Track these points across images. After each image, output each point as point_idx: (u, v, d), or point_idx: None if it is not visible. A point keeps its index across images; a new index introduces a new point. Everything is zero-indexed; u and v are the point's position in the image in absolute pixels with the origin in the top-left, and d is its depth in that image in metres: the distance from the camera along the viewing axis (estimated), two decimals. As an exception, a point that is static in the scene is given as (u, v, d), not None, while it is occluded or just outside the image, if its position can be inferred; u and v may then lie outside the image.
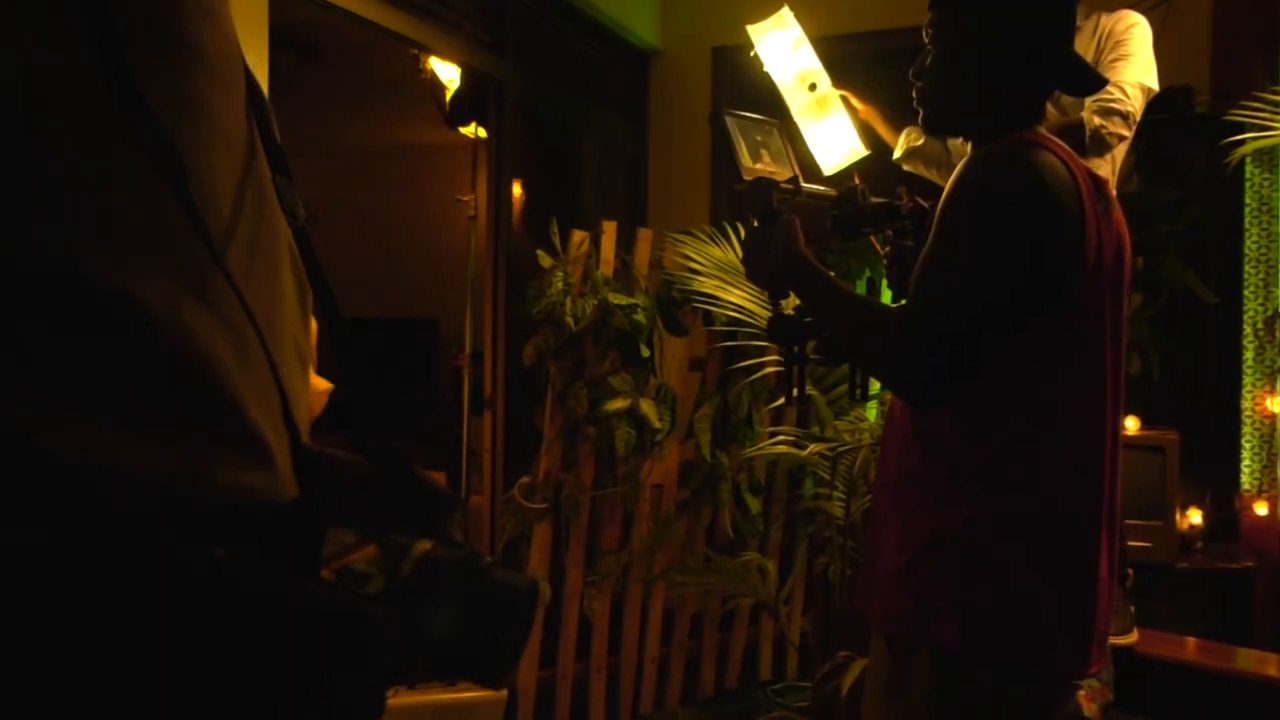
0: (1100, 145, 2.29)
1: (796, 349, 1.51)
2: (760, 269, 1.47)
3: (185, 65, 0.59)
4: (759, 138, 1.51)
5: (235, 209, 0.61)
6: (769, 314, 1.54)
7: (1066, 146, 1.34)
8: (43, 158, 0.51)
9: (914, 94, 1.45)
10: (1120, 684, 2.35)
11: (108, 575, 0.49)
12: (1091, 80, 1.45)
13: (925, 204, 1.53)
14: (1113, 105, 2.26)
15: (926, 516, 1.34)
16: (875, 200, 1.55)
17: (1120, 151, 2.44)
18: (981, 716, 1.33)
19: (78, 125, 0.53)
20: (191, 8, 0.60)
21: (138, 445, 0.52)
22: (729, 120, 1.48)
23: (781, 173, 1.50)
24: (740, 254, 1.52)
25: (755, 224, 1.46)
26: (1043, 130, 1.38)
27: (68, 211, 0.52)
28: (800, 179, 1.51)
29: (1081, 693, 2.12)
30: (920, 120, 1.48)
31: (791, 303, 1.51)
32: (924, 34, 1.43)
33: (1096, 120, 2.26)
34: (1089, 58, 2.37)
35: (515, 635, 0.61)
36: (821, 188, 1.58)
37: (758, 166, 1.48)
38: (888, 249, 1.57)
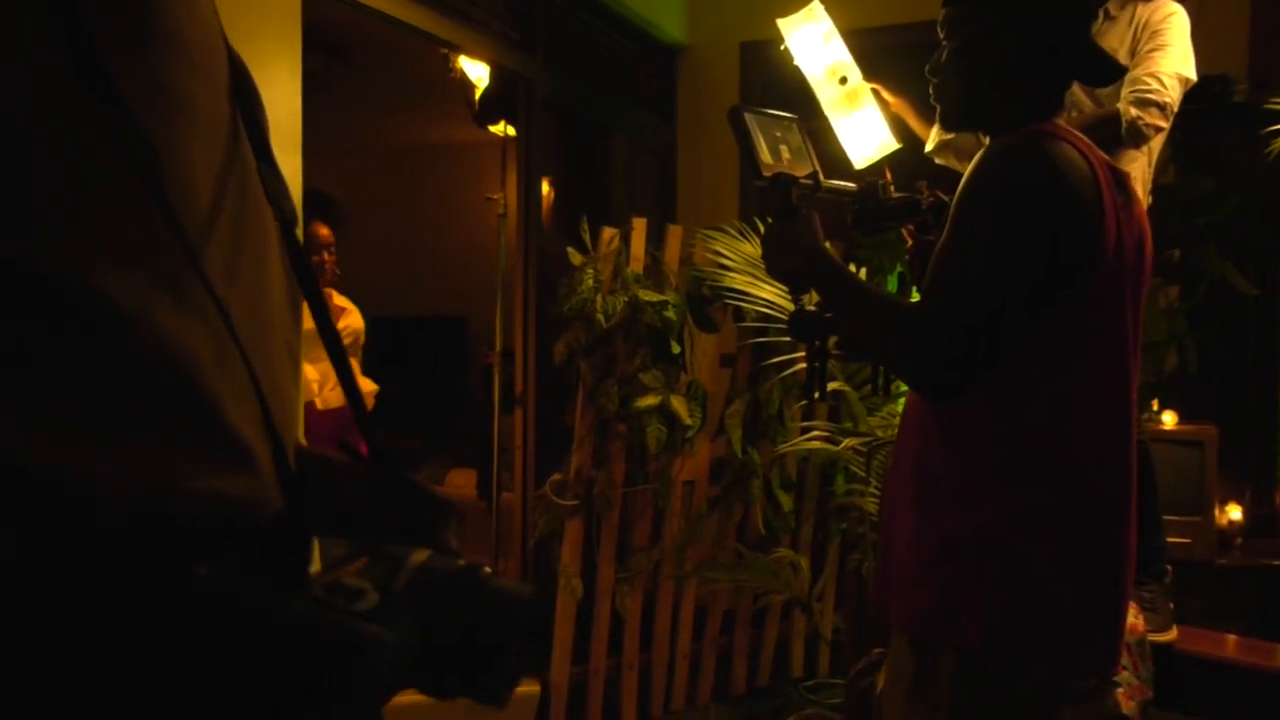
0: (1137, 137, 2.26)
1: (818, 345, 1.51)
2: (779, 264, 1.47)
3: (161, 53, 0.57)
4: (778, 134, 1.51)
5: (216, 202, 0.59)
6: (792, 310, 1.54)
7: (1085, 138, 1.32)
8: (10, 151, 0.49)
9: (930, 90, 1.45)
10: (1159, 682, 2.32)
11: (78, 594, 0.47)
12: (1111, 69, 1.44)
13: (946, 198, 1.52)
14: (1149, 96, 2.23)
15: (943, 512, 1.34)
16: (896, 195, 1.54)
17: (1157, 142, 2.40)
18: (1008, 717, 1.32)
19: (47, 116, 0.51)
20: None
21: (108, 452, 0.50)
22: (747, 117, 1.48)
23: (801, 169, 1.50)
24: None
25: (774, 220, 1.46)
26: (1061, 122, 1.36)
27: (36, 209, 0.50)
28: (820, 174, 1.51)
29: (1120, 690, 2.09)
30: (937, 116, 1.47)
31: (814, 298, 1.51)
32: (939, 30, 1.43)
33: (1133, 111, 2.23)
34: (1125, 48, 2.34)
35: (516, 647, 0.58)
36: (842, 183, 1.57)
37: (778, 163, 1.47)
38: (910, 244, 1.56)
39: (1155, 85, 2.24)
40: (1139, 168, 2.43)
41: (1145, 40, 2.33)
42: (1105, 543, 1.32)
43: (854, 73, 2.66)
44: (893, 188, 1.57)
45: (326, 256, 3.26)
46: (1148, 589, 2.50)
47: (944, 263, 1.31)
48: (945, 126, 1.51)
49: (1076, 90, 2.38)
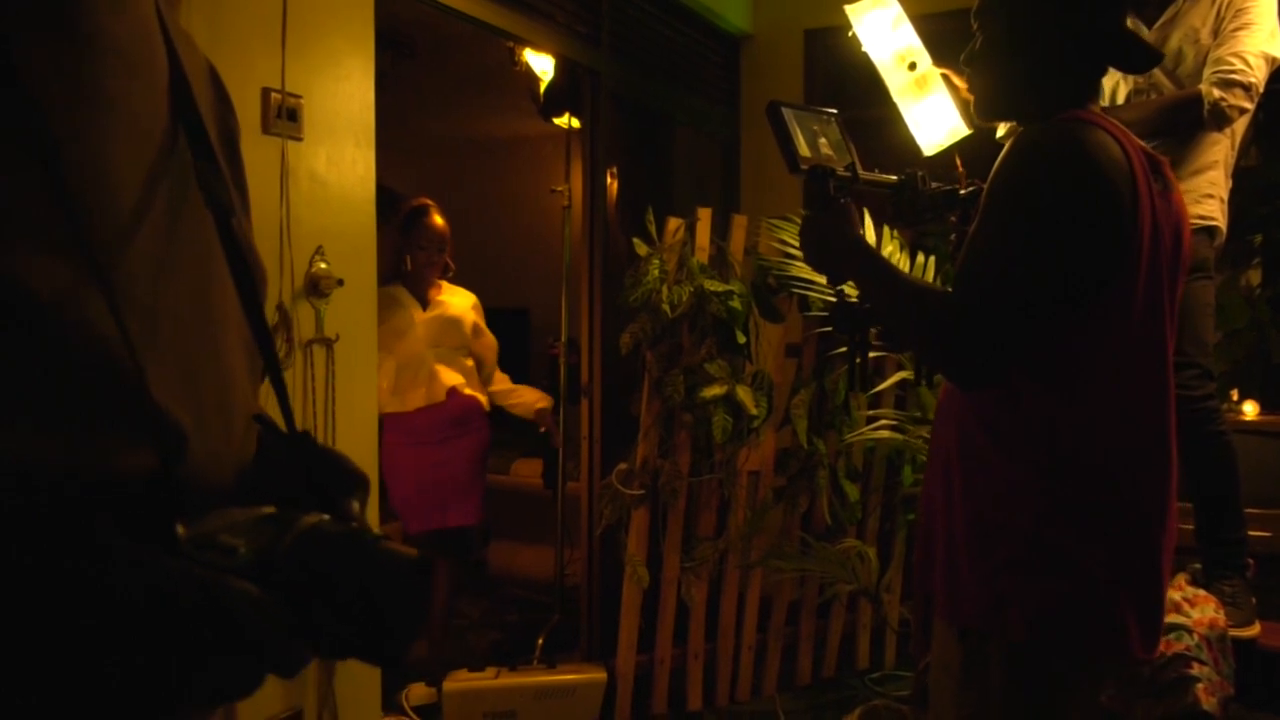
0: (1219, 119, 2.20)
1: (858, 338, 1.51)
2: (816, 255, 1.48)
3: (86, 53, 0.58)
4: (815, 128, 1.52)
5: (143, 199, 0.60)
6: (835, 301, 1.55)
7: (1121, 125, 1.30)
8: None
9: (964, 80, 1.43)
10: (1241, 678, 2.27)
11: None
12: (1147, 56, 1.42)
13: (985, 187, 1.51)
14: (1233, 77, 2.17)
15: (978, 502, 1.33)
16: (935, 185, 1.54)
17: (1240, 124, 2.34)
18: (1057, 706, 1.32)
19: None
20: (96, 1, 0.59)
21: (21, 432, 0.50)
22: (785, 111, 1.49)
23: (841, 162, 1.50)
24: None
25: (811, 211, 1.46)
26: (1095, 109, 1.34)
27: None
28: (858, 167, 1.51)
29: (1201, 686, 2.04)
30: (973, 106, 1.46)
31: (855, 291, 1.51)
32: (972, 20, 1.42)
33: (1216, 93, 2.17)
34: (1208, 27, 2.28)
35: (403, 611, 0.57)
36: (881, 175, 1.57)
37: (815, 155, 1.48)
38: (953, 235, 1.56)
39: (1240, 65, 2.18)
40: (1221, 150, 2.37)
41: (1229, 19, 2.26)
42: (1131, 534, 1.30)
43: (923, 58, 2.62)
44: (963, 175, 1.56)
45: (435, 256, 3.31)
46: (1229, 583, 2.44)
47: (975, 251, 1.30)
48: (980, 116, 1.49)
49: (1157, 72, 2.32)
